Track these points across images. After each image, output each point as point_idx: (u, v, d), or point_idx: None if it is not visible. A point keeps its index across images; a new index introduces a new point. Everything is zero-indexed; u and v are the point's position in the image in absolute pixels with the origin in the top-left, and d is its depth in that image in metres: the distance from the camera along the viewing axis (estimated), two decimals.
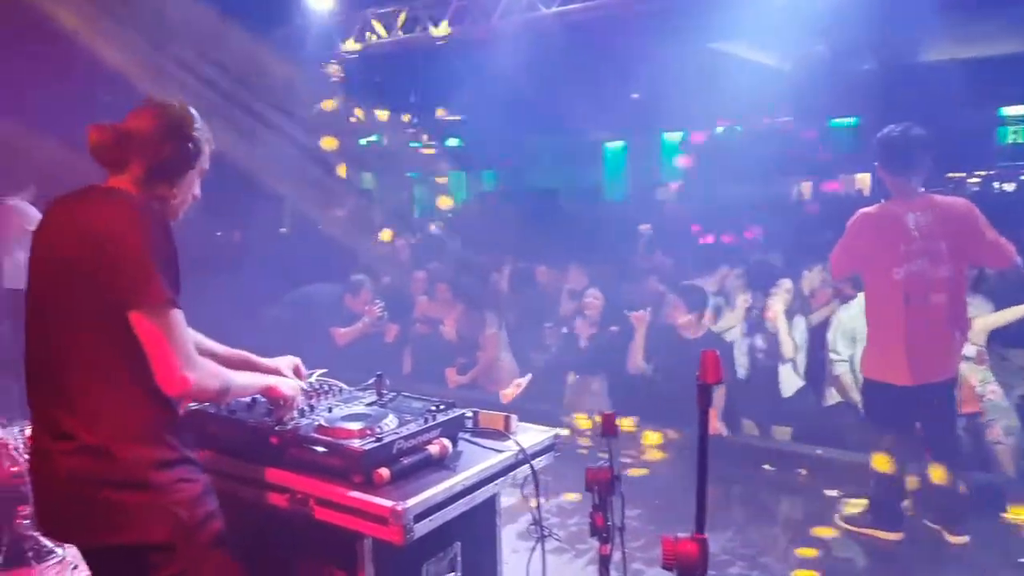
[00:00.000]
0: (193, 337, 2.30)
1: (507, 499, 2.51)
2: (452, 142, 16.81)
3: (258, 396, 2.32)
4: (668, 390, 5.14)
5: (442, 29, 7.06)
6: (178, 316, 1.87)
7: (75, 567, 3.51)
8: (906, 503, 3.99)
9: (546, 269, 6.77)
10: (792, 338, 5.16)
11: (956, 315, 3.73)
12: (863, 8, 6.90)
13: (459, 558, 2.40)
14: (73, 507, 1.88)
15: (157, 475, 1.86)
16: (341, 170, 9.49)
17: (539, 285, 6.79)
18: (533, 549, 2.36)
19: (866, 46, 8.63)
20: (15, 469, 3.44)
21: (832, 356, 5.01)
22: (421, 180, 18.55)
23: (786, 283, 5.23)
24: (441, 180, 13.74)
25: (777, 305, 5.15)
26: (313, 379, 2.69)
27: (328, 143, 8.24)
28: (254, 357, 2.43)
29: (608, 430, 1.95)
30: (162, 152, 1.99)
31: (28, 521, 3.42)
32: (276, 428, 2.21)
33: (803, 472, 4.82)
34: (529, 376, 5.73)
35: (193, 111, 2.09)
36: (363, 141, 15.16)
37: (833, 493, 4.50)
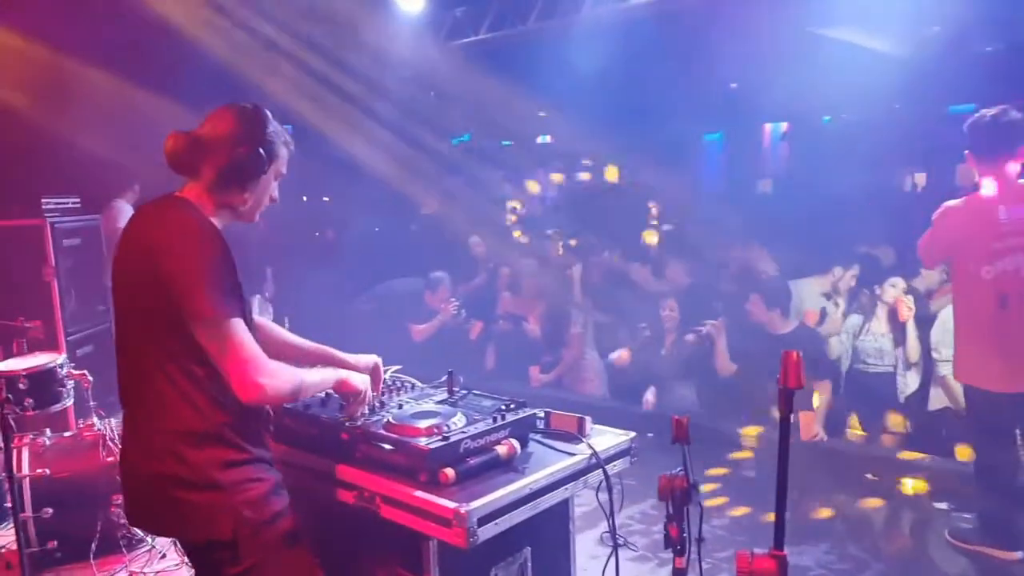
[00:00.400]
0: (277, 333, 2.35)
1: (587, 504, 2.42)
2: (543, 139, 16.76)
3: (332, 391, 2.32)
4: (758, 389, 4.89)
5: (531, 24, 6.98)
6: (237, 326, 1.85)
7: (163, 555, 3.67)
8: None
9: (639, 266, 6.56)
10: (918, 340, 4.85)
11: None
12: None
13: (529, 563, 2.34)
14: (149, 503, 1.96)
15: (224, 475, 1.88)
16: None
17: (633, 283, 6.57)
18: (609, 557, 2.29)
19: (989, 25, 7.97)
20: (110, 459, 3.62)
21: (935, 356, 4.71)
22: (508, 179, 18.56)
23: (900, 283, 4.90)
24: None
25: (910, 304, 4.83)
26: (387, 375, 2.69)
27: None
28: (336, 352, 2.43)
29: (680, 436, 1.83)
30: (232, 156, 1.96)
31: (120, 510, 3.58)
32: (346, 424, 2.21)
33: (909, 482, 4.51)
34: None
35: (267, 114, 2.05)
36: (455, 141, 15.31)
37: (942, 506, 4.20)
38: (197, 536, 1.92)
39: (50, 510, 3.47)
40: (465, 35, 7.52)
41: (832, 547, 3.85)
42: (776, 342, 4.92)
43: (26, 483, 3.48)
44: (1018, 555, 3.54)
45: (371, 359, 2.47)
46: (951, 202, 3.62)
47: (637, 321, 6.05)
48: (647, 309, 6.04)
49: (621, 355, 5.95)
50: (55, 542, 3.51)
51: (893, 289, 4.88)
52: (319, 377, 2.12)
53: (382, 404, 2.40)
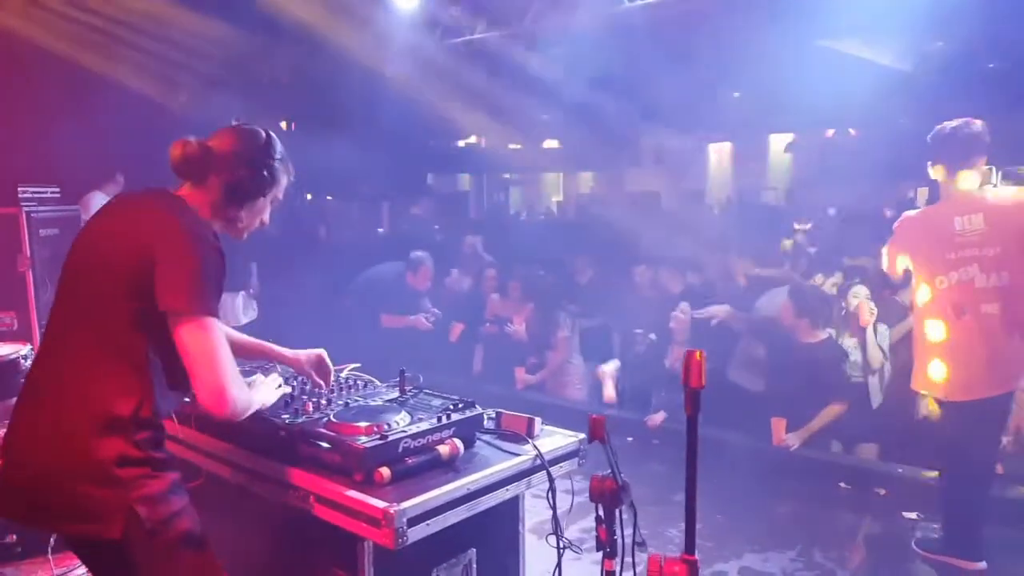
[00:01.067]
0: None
1: (560, 506, 2.40)
2: (550, 143, 16.73)
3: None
4: (782, 399, 4.82)
5: (526, 26, 6.95)
6: (218, 327, 1.86)
7: None
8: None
9: (645, 269, 6.44)
10: (880, 347, 4.81)
11: (1016, 324, 3.36)
12: (988, 1, 6.34)
13: (475, 565, 2.30)
14: (38, 493, 1.86)
15: (121, 470, 1.81)
16: None
17: (636, 287, 6.44)
18: (558, 561, 2.26)
19: (993, 43, 7.93)
20: None
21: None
22: (518, 181, 18.57)
23: (862, 290, 4.86)
24: None
25: (872, 308, 4.80)
26: (344, 374, 2.66)
27: None
28: (274, 347, 2.43)
29: (596, 435, 1.79)
30: (238, 175, 2.03)
31: None
32: (286, 422, 2.18)
33: (882, 492, 4.51)
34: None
35: (276, 139, 2.12)
36: (461, 143, 15.31)
37: (911, 516, 4.20)
38: (86, 531, 1.83)
39: None
40: (461, 34, 7.50)
41: (799, 555, 3.85)
42: (796, 352, 4.77)
43: None
44: (982, 565, 3.52)
45: (315, 353, 2.47)
46: (910, 212, 3.66)
47: (632, 327, 5.95)
48: (645, 315, 5.92)
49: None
50: (14, 536, 3.43)
51: (856, 298, 4.84)
52: (261, 400, 2.17)
53: (328, 401, 2.37)
